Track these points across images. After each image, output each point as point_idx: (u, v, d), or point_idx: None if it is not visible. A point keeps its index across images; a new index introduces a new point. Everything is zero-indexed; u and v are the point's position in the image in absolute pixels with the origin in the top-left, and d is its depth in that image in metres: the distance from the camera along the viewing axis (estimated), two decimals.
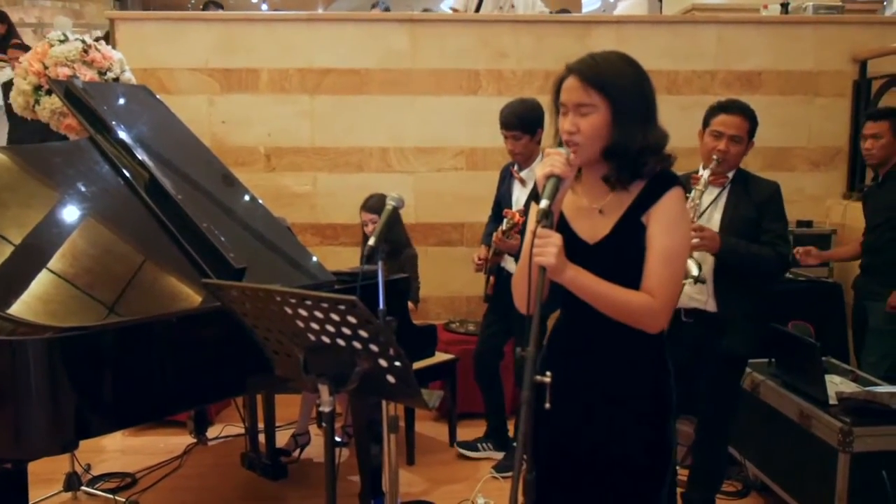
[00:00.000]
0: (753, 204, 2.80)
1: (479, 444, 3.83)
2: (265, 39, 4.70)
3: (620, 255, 1.71)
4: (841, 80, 4.80)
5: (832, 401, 2.92)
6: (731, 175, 2.86)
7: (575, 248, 1.68)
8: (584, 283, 1.64)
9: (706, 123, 2.87)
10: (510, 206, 3.56)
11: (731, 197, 2.84)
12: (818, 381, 2.97)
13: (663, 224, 1.67)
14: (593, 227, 1.74)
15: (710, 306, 2.82)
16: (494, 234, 3.48)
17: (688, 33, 4.79)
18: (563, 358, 1.75)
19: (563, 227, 1.74)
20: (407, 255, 3.93)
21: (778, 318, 3.35)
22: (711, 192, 2.87)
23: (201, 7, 7.18)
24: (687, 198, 2.72)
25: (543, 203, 1.55)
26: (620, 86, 1.64)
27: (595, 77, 1.64)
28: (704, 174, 2.81)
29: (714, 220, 2.84)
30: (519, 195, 3.56)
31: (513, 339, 3.76)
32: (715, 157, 2.81)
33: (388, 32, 4.73)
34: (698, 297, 2.82)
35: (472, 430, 3.92)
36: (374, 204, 3.81)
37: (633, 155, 1.66)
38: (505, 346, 3.80)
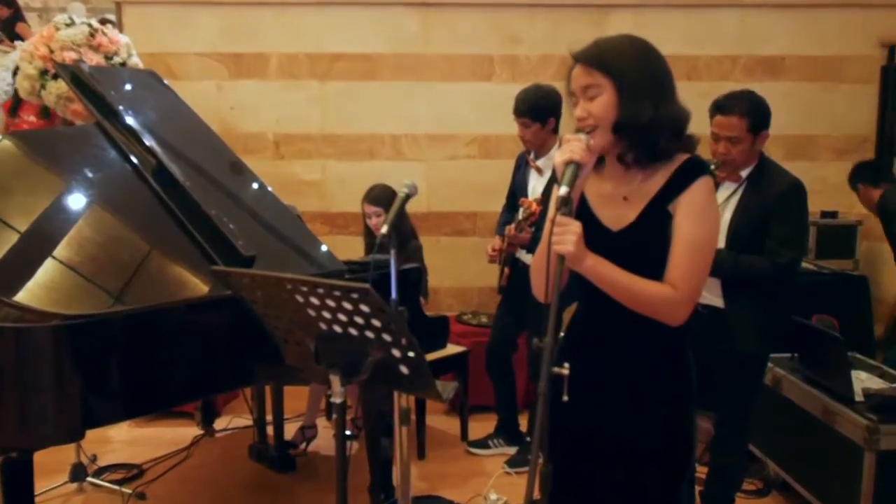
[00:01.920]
0: (764, 203, 2.69)
1: (489, 442, 3.83)
2: (274, 24, 4.70)
3: (644, 245, 1.69)
4: (868, 65, 4.74)
5: (858, 397, 2.89)
6: (748, 171, 2.77)
7: (597, 236, 1.66)
8: (604, 272, 1.63)
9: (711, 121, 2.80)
10: (526, 196, 3.54)
11: (744, 196, 2.75)
12: (843, 377, 2.94)
13: (691, 214, 1.66)
14: (617, 215, 1.73)
15: (719, 303, 2.78)
16: (508, 227, 3.47)
17: (708, 17, 4.74)
18: (580, 349, 1.74)
19: (586, 212, 1.73)
20: (413, 247, 3.90)
21: (801, 312, 3.32)
22: (727, 189, 2.79)
23: None
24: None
25: (563, 190, 1.54)
26: (622, 61, 1.64)
27: (595, 57, 1.65)
28: None
29: (724, 221, 2.75)
30: (535, 184, 3.54)
31: (526, 332, 3.75)
32: (715, 160, 2.73)
33: (399, 17, 4.71)
34: (707, 294, 2.76)
35: (483, 424, 3.92)
36: (377, 195, 3.76)
37: (642, 130, 1.64)
38: (518, 338, 3.79)
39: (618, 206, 1.73)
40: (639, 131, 1.64)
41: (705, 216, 1.67)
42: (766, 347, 2.86)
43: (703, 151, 2.59)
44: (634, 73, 1.64)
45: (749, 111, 2.69)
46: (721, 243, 2.74)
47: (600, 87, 1.64)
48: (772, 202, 2.69)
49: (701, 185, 1.67)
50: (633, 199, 1.71)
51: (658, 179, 1.69)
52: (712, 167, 2.73)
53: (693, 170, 1.68)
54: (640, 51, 1.68)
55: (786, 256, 2.67)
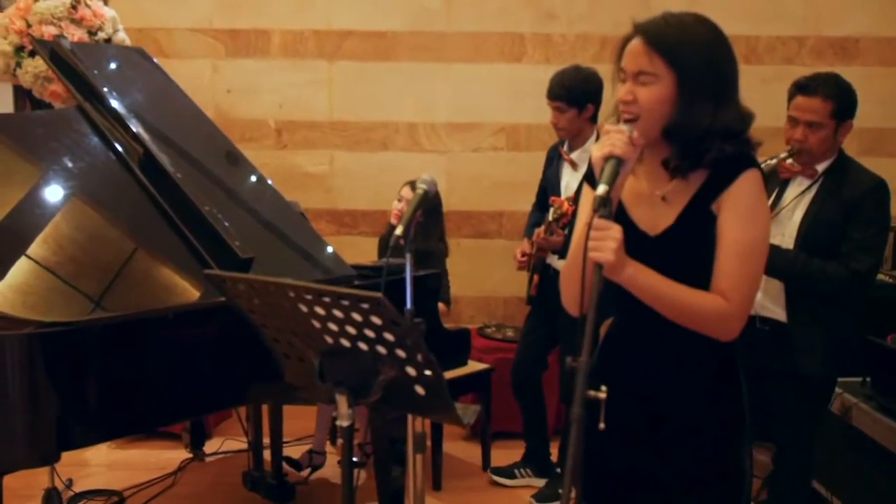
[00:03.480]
0: (842, 203, 2.68)
1: (516, 471, 3.83)
2: None
3: (686, 250, 1.69)
4: None
5: None
6: (825, 165, 2.76)
7: (632, 240, 1.65)
8: (646, 282, 1.63)
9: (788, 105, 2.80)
10: (558, 193, 3.54)
11: (819, 193, 2.74)
12: None
13: (738, 213, 1.65)
14: (654, 216, 1.73)
15: (781, 315, 2.77)
16: (536, 230, 3.46)
17: None
18: (616, 368, 1.74)
19: (620, 213, 1.73)
20: (437, 250, 3.92)
21: (875, 330, 3.29)
22: (799, 185, 2.79)
23: None
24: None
25: (601, 189, 1.53)
26: (691, 55, 1.63)
27: (662, 41, 1.63)
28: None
29: (794, 221, 2.76)
30: (569, 180, 3.54)
31: (558, 348, 3.75)
32: (788, 147, 2.74)
33: None
34: (770, 305, 2.76)
35: (508, 453, 3.92)
36: None
37: (696, 139, 1.64)
38: (549, 354, 3.78)
39: (655, 207, 1.73)
40: (692, 140, 1.64)
41: (755, 215, 1.67)
42: (834, 369, 2.83)
43: (771, 147, 2.58)
44: (702, 70, 1.63)
45: (835, 94, 2.69)
46: (789, 247, 2.74)
47: (657, 78, 1.62)
48: (853, 203, 2.68)
49: (747, 178, 1.66)
50: (672, 198, 1.71)
51: (698, 175, 1.69)
52: (783, 155, 2.74)
53: (737, 162, 1.67)
54: (712, 41, 1.66)
55: (864, 262, 2.66)
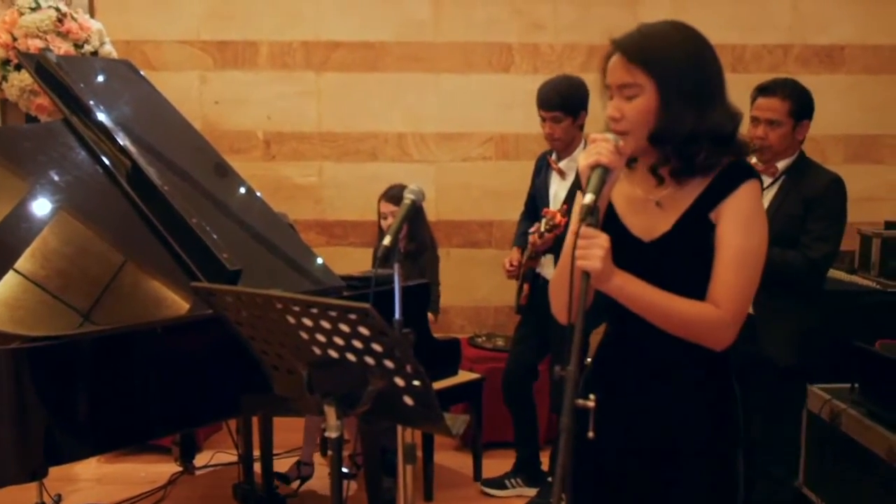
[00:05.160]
0: (802, 198, 2.86)
1: (506, 481, 3.82)
2: (265, 8, 4.73)
3: (681, 258, 1.69)
4: None
5: None
6: (785, 163, 2.93)
7: (626, 247, 1.66)
8: (636, 292, 1.63)
9: None
10: (546, 202, 3.55)
11: (781, 189, 2.92)
12: None
13: (738, 222, 1.65)
14: (649, 223, 1.73)
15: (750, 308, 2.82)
16: (530, 237, 3.47)
17: (756, 0, 4.75)
18: (609, 378, 1.74)
19: (613, 220, 1.73)
20: (429, 257, 3.93)
21: (863, 337, 3.30)
22: (763, 182, 2.90)
23: None
24: None
25: (587, 198, 1.52)
26: (669, 60, 1.63)
27: (639, 53, 1.63)
28: None
29: None
30: (557, 189, 3.55)
31: (548, 357, 3.75)
32: (751, 145, 2.86)
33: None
34: None
35: (499, 462, 3.92)
36: (396, 194, 3.82)
37: (681, 142, 1.64)
38: (539, 364, 3.79)
39: (650, 214, 1.73)
40: (677, 144, 1.64)
41: (754, 225, 1.67)
42: (804, 359, 2.92)
43: None
44: (682, 75, 1.63)
45: (792, 95, 2.89)
46: None
47: (640, 88, 1.63)
48: (812, 198, 2.86)
49: (748, 189, 1.67)
50: (667, 205, 1.71)
51: (697, 183, 1.69)
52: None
53: (738, 173, 1.68)
54: (690, 46, 1.66)
55: (820, 251, 2.84)
